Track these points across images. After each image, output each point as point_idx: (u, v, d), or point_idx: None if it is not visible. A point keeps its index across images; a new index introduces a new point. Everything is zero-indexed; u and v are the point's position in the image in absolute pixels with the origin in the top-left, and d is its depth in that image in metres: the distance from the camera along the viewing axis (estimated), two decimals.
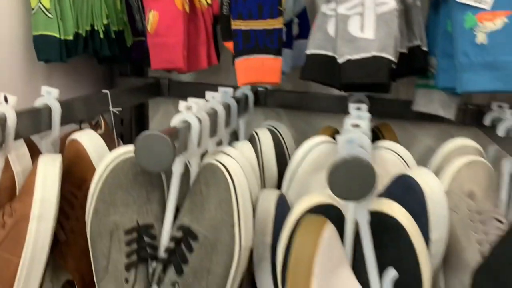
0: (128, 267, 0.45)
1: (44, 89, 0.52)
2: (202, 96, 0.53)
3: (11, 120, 0.45)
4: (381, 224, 0.42)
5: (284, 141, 0.66)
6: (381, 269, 0.40)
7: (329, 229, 0.38)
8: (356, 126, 0.45)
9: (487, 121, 0.61)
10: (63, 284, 0.56)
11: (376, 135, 0.67)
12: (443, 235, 0.45)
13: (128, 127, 0.83)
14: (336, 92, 0.66)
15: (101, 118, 0.63)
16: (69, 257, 0.51)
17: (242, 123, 0.67)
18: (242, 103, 0.66)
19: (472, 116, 0.69)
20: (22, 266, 0.45)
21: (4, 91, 0.47)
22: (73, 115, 0.57)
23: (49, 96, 0.52)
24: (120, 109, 0.63)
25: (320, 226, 0.37)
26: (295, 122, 0.79)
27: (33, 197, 0.45)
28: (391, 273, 0.39)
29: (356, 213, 0.40)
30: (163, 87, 0.80)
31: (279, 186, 0.59)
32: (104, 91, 0.63)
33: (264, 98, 0.75)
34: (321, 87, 0.67)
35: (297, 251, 0.36)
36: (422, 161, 0.59)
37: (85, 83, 0.79)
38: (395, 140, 0.63)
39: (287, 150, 0.66)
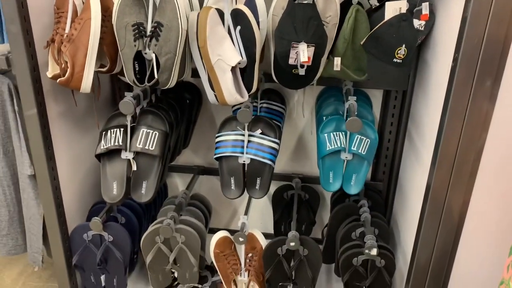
0: (135, 40, 1.07)
1: None
2: None
3: None
4: (237, 13, 1.05)
5: None
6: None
7: (214, 10, 1.01)
8: None
9: None
10: (100, 65, 1.17)
11: None
12: (263, 19, 1.09)
13: None
14: None
15: None
16: (104, 46, 1.12)
17: None
18: None
19: None
20: (90, 45, 1.06)
21: None
22: None
23: None
24: None
25: (210, 8, 1.00)
26: None
27: (91, 10, 1.04)
28: (238, 28, 1.03)
29: (228, 8, 1.03)
30: None
31: None
32: None
33: None
34: None
35: (201, 15, 0.99)
36: None
37: None
38: None
39: None
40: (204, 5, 1.15)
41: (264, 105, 1.41)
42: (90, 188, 1.46)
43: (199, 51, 1.05)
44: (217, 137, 1.23)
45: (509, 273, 0.92)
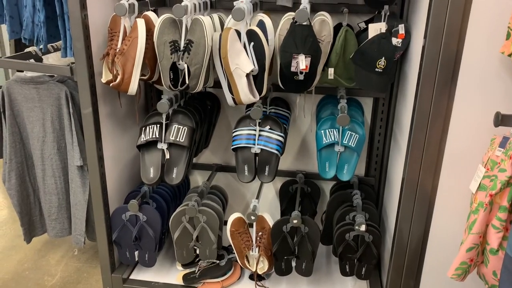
0: (171, 53, 1.37)
1: None
2: None
3: (126, 6, 1.34)
4: (251, 32, 1.35)
5: (223, 18, 1.57)
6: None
7: (233, 30, 1.31)
8: (242, 2, 1.36)
9: (300, 7, 1.53)
10: (142, 74, 1.47)
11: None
12: (271, 37, 1.39)
13: None
14: None
15: (145, 11, 1.52)
16: (146, 59, 1.42)
17: (205, 14, 1.58)
18: (203, 5, 1.56)
19: (297, 7, 1.61)
20: (137, 57, 1.36)
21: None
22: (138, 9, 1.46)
23: None
24: (153, 9, 1.53)
25: (230, 29, 1.30)
26: (227, 13, 1.70)
27: (138, 31, 1.35)
28: (252, 43, 1.33)
29: (244, 29, 1.33)
30: (166, 1, 1.69)
31: None
32: None
33: (215, 3, 1.66)
34: None
35: (223, 33, 1.29)
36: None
37: None
38: (268, 15, 1.56)
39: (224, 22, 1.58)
40: (225, 27, 1.46)
41: (272, 110, 1.69)
42: (127, 177, 1.75)
43: (221, 61, 1.35)
44: (233, 132, 1.52)
45: (465, 235, 1.17)
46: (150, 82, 1.50)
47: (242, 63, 1.31)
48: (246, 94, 1.34)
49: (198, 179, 2.03)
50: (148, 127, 1.49)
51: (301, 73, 1.34)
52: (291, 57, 1.32)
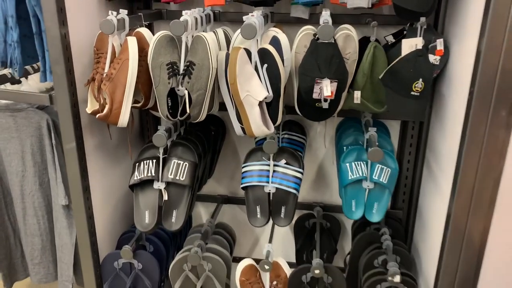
0: (169, 78, 1.15)
1: (121, 10, 1.19)
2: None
3: (115, 22, 1.13)
4: (263, 52, 1.13)
5: (229, 34, 1.35)
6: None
7: (243, 50, 1.09)
8: (253, 15, 1.14)
9: (321, 20, 1.31)
10: (134, 101, 1.25)
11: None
12: (288, 57, 1.17)
13: None
14: None
15: (139, 26, 1.30)
16: (139, 84, 1.20)
17: (208, 28, 1.36)
18: (206, 18, 1.34)
19: (315, 19, 1.38)
20: (128, 83, 1.14)
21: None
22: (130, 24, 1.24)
23: (122, 13, 1.19)
24: (147, 23, 1.31)
25: (240, 48, 1.08)
26: (233, 28, 1.48)
27: (129, 51, 1.13)
28: (265, 66, 1.11)
29: (255, 47, 1.11)
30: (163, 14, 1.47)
31: None
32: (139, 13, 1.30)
33: (218, 16, 1.44)
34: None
35: (231, 55, 1.07)
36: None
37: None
38: (281, 29, 1.34)
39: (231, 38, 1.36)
40: (232, 45, 1.24)
41: (286, 135, 1.47)
42: (120, 217, 1.52)
43: (228, 87, 1.12)
44: (243, 167, 1.30)
45: None
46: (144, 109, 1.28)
47: (253, 90, 1.09)
48: (258, 125, 1.12)
49: (201, 212, 1.81)
50: (142, 162, 1.27)
51: (325, 100, 1.12)
52: (313, 82, 1.10)
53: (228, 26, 1.41)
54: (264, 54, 1.13)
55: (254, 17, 1.14)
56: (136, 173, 1.26)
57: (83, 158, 1.26)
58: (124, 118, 1.16)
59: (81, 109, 1.21)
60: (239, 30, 1.19)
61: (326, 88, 1.07)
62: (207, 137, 1.42)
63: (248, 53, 1.13)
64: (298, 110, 1.22)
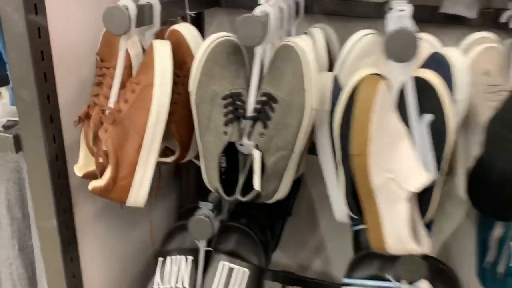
0: (226, 123, 0.60)
1: None
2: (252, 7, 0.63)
3: (133, 12, 0.58)
4: (419, 86, 0.56)
5: (331, 39, 0.79)
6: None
7: (384, 83, 0.52)
8: (402, 10, 0.57)
9: (503, 18, 0.72)
10: (163, 150, 0.72)
11: None
12: (464, 97, 0.59)
13: None
14: None
15: (180, 19, 0.76)
16: (172, 124, 0.66)
17: (294, 26, 0.80)
18: (293, 9, 0.78)
19: (491, 18, 0.80)
20: (150, 131, 0.60)
21: None
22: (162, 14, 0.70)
23: None
24: (195, 12, 0.76)
25: (378, 80, 0.52)
26: (335, 28, 0.91)
27: (154, 70, 0.59)
28: (428, 117, 0.54)
29: (401, 74, 0.54)
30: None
31: None
32: None
33: (310, 5, 0.87)
34: None
35: (361, 94, 0.51)
36: None
37: None
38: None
39: (333, 48, 0.79)
40: (340, 62, 0.67)
41: None
42: None
43: (347, 158, 0.56)
44: (345, 285, 0.73)
45: None
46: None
47: (401, 170, 0.52)
48: (401, 238, 0.55)
49: None
50: (169, 259, 0.73)
51: None
52: None
53: (325, 23, 0.84)
54: (421, 91, 0.55)
55: (405, 10, 0.56)
56: (158, 278, 0.72)
57: (71, 241, 0.74)
58: (139, 194, 0.62)
59: (69, 162, 0.69)
60: (356, 35, 0.64)
61: None
62: (272, 212, 0.86)
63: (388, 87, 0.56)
64: (469, 197, 0.64)
